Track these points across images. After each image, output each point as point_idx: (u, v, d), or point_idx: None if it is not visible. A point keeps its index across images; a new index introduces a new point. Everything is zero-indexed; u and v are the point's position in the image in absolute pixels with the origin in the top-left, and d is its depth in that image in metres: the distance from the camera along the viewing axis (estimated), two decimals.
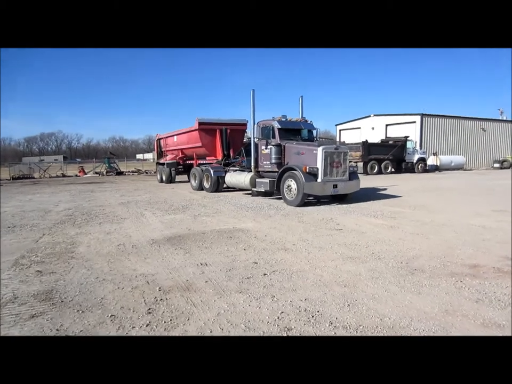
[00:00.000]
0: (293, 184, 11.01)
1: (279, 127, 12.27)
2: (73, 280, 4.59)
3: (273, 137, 12.25)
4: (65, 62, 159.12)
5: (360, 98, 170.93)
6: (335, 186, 11.03)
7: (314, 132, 13.21)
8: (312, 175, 10.82)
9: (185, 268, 5.02)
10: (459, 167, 34.18)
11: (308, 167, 10.80)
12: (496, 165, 38.51)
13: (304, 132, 12.94)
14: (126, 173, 35.96)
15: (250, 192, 13.58)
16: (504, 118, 47.00)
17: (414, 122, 38.20)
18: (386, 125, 40.84)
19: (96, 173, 35.24)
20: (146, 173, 36.26)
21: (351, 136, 42.93)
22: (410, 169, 29.87)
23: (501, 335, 3.12)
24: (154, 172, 29.44)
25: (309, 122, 13.33)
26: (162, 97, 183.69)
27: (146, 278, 4.63)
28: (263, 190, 12.31)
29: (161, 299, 3.96)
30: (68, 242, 6.62)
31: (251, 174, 13.09)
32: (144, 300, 3.94)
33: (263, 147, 12.63)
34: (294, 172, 11.09)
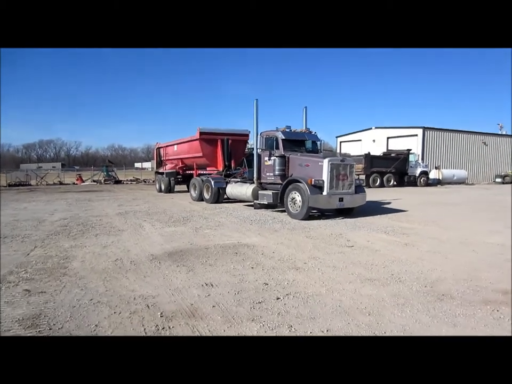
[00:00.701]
0: (298, 197, 10.60)
1: (283, 138, 11.92)
2: (65, 302, 4.13)
3: (277, 148, 11.88)
4: (64, 70, 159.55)
5: (360, 111, 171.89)
6: (341, 199, 10.62)
7: (318, 143, 12.88)
8: (318, 187, 10.41)
9: (189, 289, 4.57)
10: (461, 181, 33.90)
11: (313, 180, 10.40)
12: (498, 180, 38.26)
13: (308, 143, 12.62)
14: (124, 182, 35.58)
15: (251, 203, 13.16)
16: (504, 133, 47.06)
17: (416, 135, 38.03)
18: (388, 138, 40.68)
19: (94, 181, 34.77)
20: (145, 182, 35.85)
21: (351, 148, 42.71)
22: (413, 182, 29.60)
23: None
24: (153, 181, 29.08)
25: (313, 133, 13.01)
26: (162, 106, 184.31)
27: (146, 301, 4.17)
28: (266, 203, 11.90)
29: (163, 327, 3.50)
30: (61, 256, 6.17)
31: (253, 185, 12.69)
32: (144, 329, 3.47)
33: (266, 158, 12.24)
34: (298, 184, 10.68)
